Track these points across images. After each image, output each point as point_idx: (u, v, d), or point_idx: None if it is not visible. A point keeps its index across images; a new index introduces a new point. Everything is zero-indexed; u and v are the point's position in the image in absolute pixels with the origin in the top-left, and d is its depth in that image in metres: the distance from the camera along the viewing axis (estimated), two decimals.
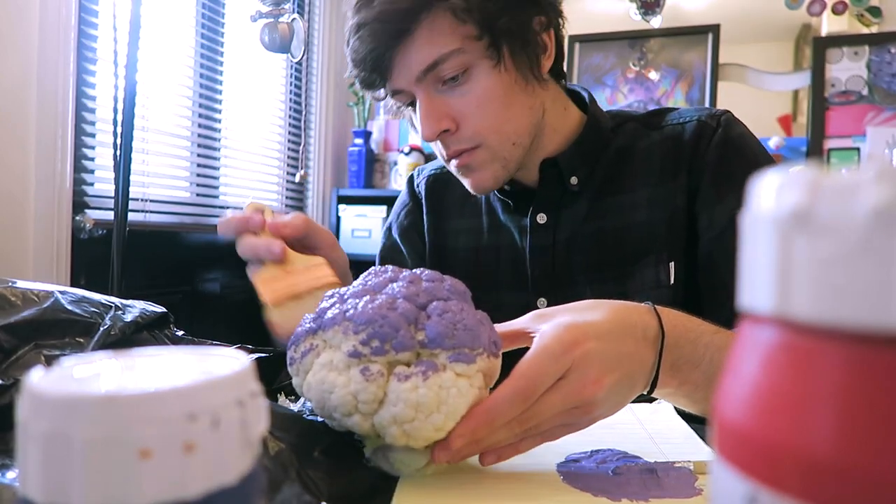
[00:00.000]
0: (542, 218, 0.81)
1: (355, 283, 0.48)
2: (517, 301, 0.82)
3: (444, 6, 0.68)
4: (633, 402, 0.61)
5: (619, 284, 0.77)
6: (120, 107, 1.24)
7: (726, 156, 0.74)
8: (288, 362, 0.46)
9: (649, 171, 0.78)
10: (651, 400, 0.62)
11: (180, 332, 0.63)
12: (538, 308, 0.79)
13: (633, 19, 2.41)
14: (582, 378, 0.43)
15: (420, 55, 0.69)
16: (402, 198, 0.98)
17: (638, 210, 0.78)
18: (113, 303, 0.59)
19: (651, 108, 2.37)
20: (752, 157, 0.75)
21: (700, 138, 0.76)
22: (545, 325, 0.46)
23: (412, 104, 0.75)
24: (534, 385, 0.42)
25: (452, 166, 0.77)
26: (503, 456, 0.44)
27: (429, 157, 2.52)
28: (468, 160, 0.74)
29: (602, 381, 0.44)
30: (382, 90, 0.75)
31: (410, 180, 0.98)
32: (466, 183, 0.78)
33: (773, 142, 2.21)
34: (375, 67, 0.71)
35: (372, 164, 2.63)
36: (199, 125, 2.03)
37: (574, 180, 0.79)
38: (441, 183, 0.92)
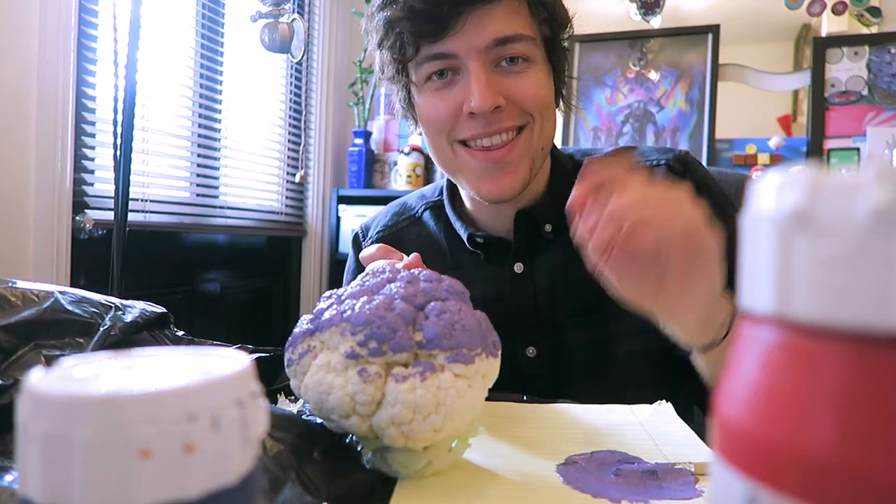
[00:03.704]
0: (518, 268, 0.79)
1: (353, 283, 0.48)
2: (504, 353, 0.79)
3: None
4: (634, 405, 0.61)
5: (604, 328, 0.76)
6: (120, 107, 1.24)
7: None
8: (286, 364, 0.46)
9: None
10: (651, 402, 0.62)
11: (180, 333, 0.63)
12: (527, 357, 0.79)
13: (633, 19, 2.41)
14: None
15: (500, 24, 0.68)
16: (350, 264, 0.92)
17: None
18: (113, 303, 0.59)
19: (651, 108, 2.38)
20: (715, 199, 0.77)
21: None
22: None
23: (441, 74, 0.72)
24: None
25: (476, 164, 0.73)
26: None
27: (429, 158, 2.51)
28: (506, 154, 0.72)
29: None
30: (414, 50, 0.71)
31: (356, 242, 0.93)
32: (486, 187, 0.74)
33: (773, 142, 2.21)
34: (446, 19, 0.67)
35: (372, 165, 2.63)
36: (199, 125, 2.03)
37: (548, 227, 0.79)
38: (391, 241, 0.84)
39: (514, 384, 0.78)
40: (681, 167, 0.78)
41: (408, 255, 0.85)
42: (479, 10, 0.68)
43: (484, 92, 0.68)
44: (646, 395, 0.63)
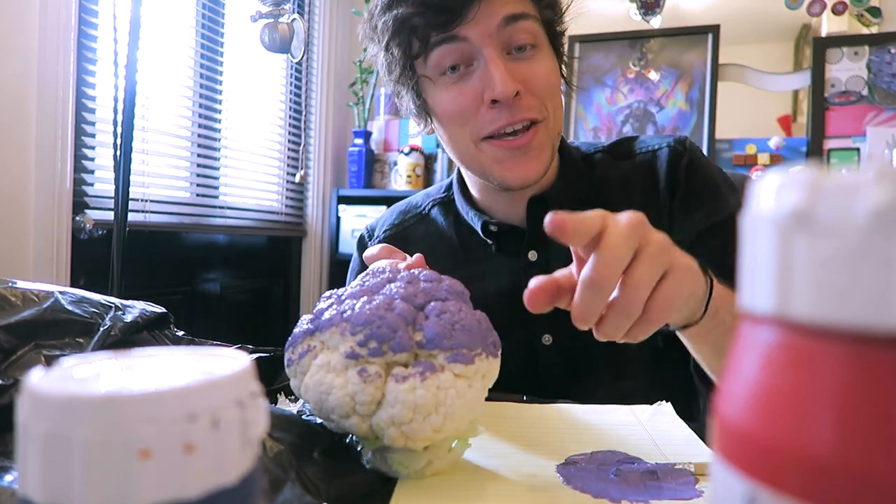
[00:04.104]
0: (533, 255, 0.80)
1: (353, 283, 0.48)
2: (520, 341, 0.79)
3: None
4: (635, 406, 0.62)
5: None
6: (120, 107, 1.24)
7: (691, 178, 0.78)
8: (286, 364, 0.46)
9: (630, 200, 0.78)
10: (652, 402, 0.62)
11: (180, 332, 0.63)
12: (543, 345, 0.78)
13: (633, 19, 2.41)
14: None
15: (508, 6, 0.70)
16: (354, 265, 0.91)
17: None
18: (113, 303, 0.59)
19: (651, 108, 2.38)
20: (711, 177, 0.79)
21: (673, 163, 0.79)
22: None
23: (454, 69, 0.72)
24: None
25: (502, 152, 0.73)
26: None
27: (428, 158, 2.52)
28: (529, 140, 0.72)
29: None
30: (425, 44, 0.71)
31: (362, 244, 0.92)
32: (513, 173, 0.74)
33: (773, 142, 2.21)
34: (458, 9, 0.69)
35: (372, 165, 2.63)
36: (199, 125, 2.03)
37: None
38: (398, 240, 0.85)
39: (531, 372, 0.79)
40: (682, 148, 0.79)
41: (416, 254, 0.86)
42: None
43: (505, 77, 0.69)
44: (663, 379, 0.63)
